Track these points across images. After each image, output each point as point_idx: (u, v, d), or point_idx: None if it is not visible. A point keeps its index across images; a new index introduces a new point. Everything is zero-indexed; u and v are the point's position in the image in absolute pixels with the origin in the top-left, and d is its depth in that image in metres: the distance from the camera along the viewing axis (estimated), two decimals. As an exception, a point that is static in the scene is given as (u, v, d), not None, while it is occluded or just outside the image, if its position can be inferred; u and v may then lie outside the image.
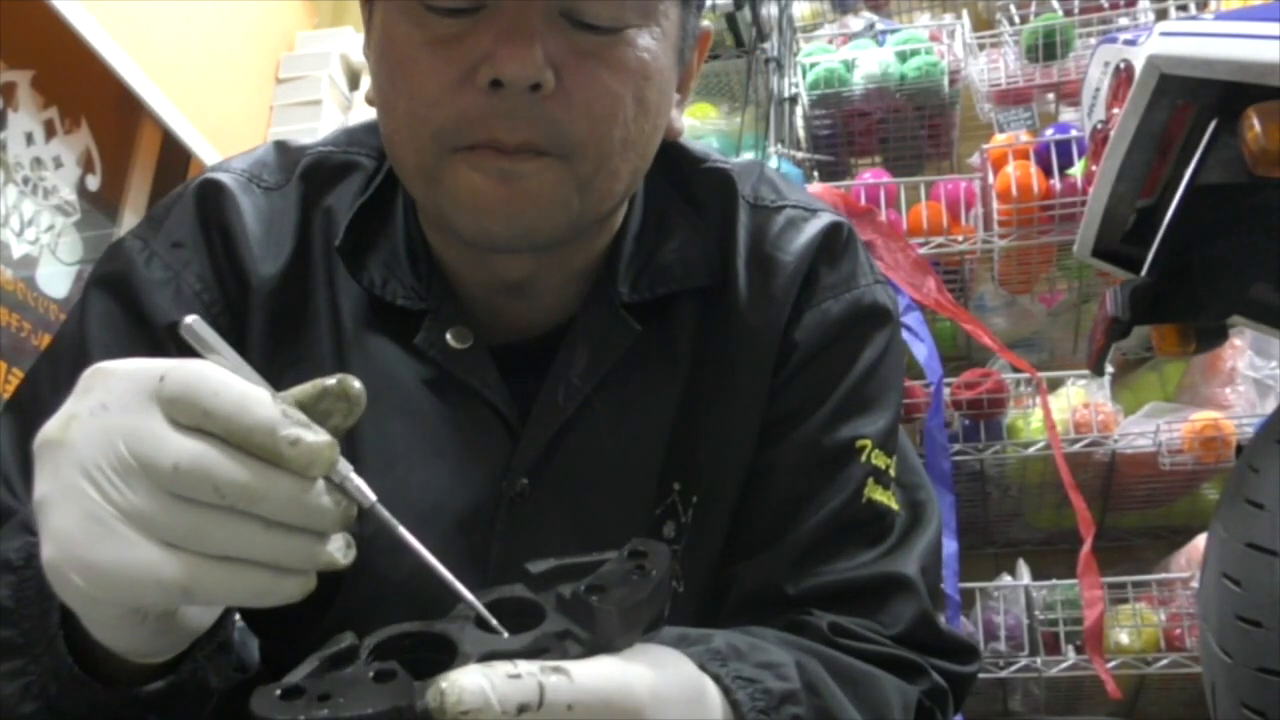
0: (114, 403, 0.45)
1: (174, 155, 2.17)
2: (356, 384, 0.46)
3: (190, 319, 0.47)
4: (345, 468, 0.46)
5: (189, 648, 0.53)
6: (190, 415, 0.43)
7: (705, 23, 0.74)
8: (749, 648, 0.57)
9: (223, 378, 0.44)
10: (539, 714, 0.41)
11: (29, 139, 1.81)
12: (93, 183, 1.96)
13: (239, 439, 0.43)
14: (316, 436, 0.44)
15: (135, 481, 0.43)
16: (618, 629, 0.46)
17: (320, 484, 0.45)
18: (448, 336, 0.70)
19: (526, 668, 0.42)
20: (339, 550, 0.46)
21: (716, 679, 0.53)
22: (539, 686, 0.42)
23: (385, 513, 0.47)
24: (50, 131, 1.86)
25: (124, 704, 0.52)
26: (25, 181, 1.80)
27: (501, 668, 0.42)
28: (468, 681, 0.41)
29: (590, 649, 0.45)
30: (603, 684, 0.44)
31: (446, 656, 0.43)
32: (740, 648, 0.57)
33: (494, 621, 0.46)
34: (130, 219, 2.02)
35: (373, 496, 0.47)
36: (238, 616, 0.72)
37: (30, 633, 0.52)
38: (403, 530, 0.47)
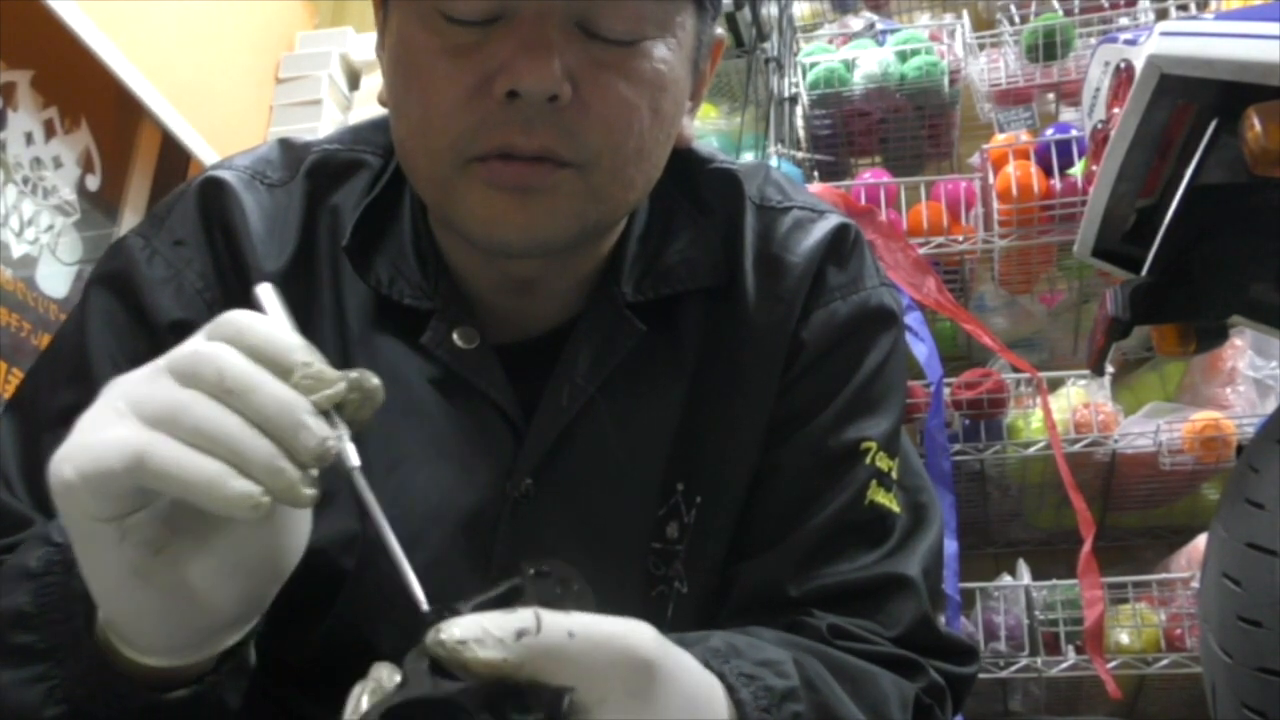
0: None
1: (174, 155, 2.17)
2: (375, 379, 0.48)
3: (261, 286, 0.51)
4: (344, 430, 0.47)
5: (213, 664, 0.53)
6: (227, 332, 0.46)
7: (718, 30, 0.74)
8: (747, 646, 0.57)
9: (266, 318, 0.48)
10: (539, 638, 0.41)
11: (29, 139, 1.81)
12: (92, 183, 1.96)
13: (260, 352, 0.46)
14: (330, 370, 0.46)
15: (155, 374, 0.46)
16: None
17: (315, 412, 0.45)
18: (454, 336, 0.70)
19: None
20: (304, 482, 0.45)
21: (720, 676, 0.53)
22: (535, 615, 0.42)
23: (362, 481, 0.47)
24: (50, 131, 1.86)
25: (149, 709, 0.52)
26: (25, 181, 1.80)
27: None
28: (461, 619, 0.42)
29: None
30: (605, 624, 0.44)
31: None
32: (739, 646, 0.57)
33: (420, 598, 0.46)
34: (130, 219, 2.02)
35: (357, 462, 0.47)
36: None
37: (54, 636, 0.52)
38: (374, 506, 0.47)
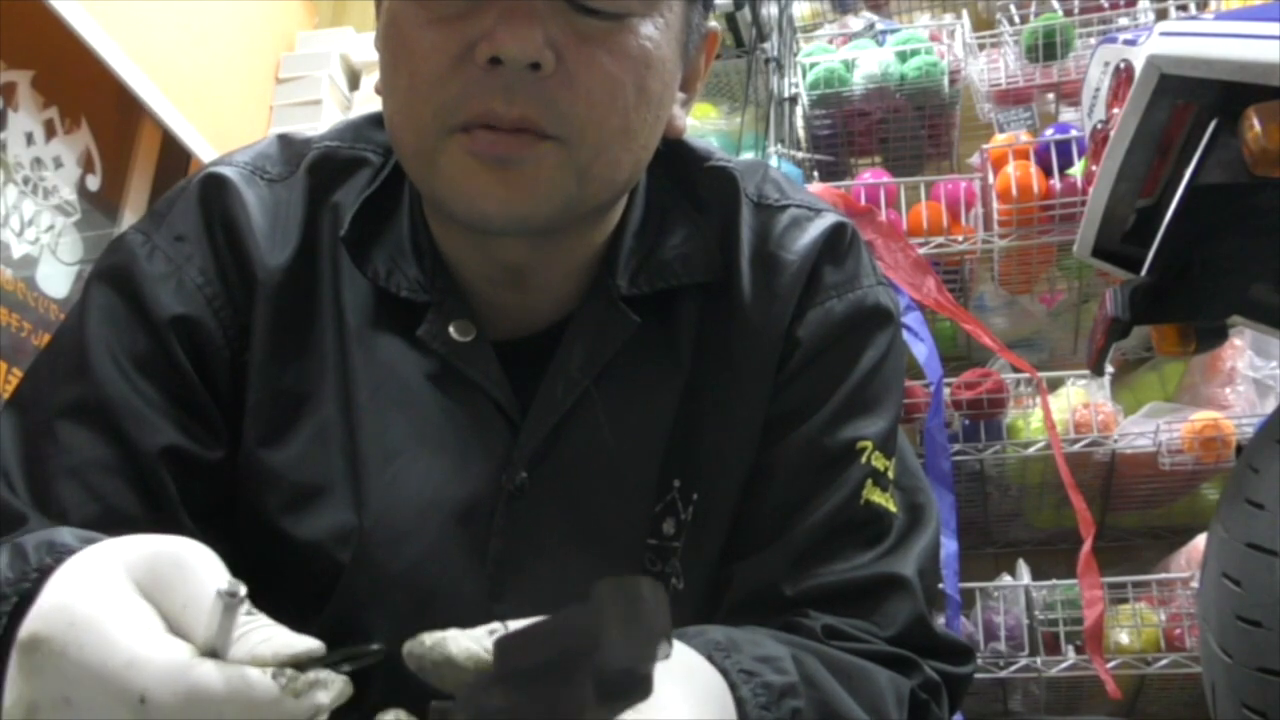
0: (81, 701, 0.42)
1: (174, 155, 2.17)
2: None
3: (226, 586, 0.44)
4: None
5: None
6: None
7: (713, 24, 0.74)
8: (746, 641, 0.57)
9: (222, 686, 0.43)
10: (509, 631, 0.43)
11: (29, 139, 1.81)
12: (93, 183, 1.96)
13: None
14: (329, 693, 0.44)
15: None
16: None
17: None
18: (450, 329, 0.70)
19: None
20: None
21: (724, 673, 0.53)
22: (502, 624, 0.45)
23: None
24: (50, 131, 1.86)
25: None
26: (25, 181, 1.80)
27: None
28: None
29: None
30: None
31: None
32: (738, 641, 0.57)
33: None
34: (130, 219, 2.02)
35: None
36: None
37: None
38: None
